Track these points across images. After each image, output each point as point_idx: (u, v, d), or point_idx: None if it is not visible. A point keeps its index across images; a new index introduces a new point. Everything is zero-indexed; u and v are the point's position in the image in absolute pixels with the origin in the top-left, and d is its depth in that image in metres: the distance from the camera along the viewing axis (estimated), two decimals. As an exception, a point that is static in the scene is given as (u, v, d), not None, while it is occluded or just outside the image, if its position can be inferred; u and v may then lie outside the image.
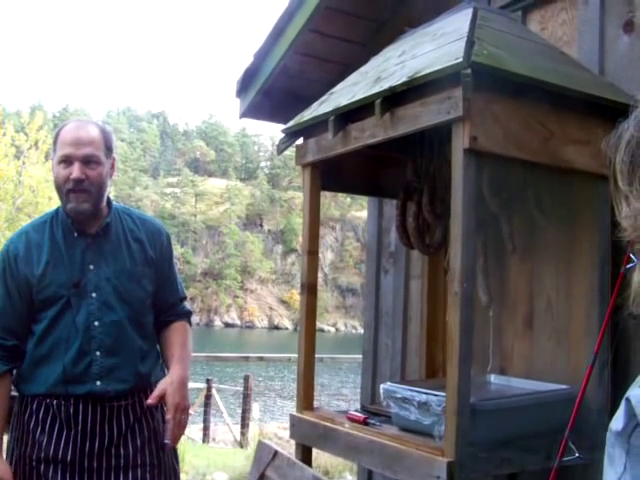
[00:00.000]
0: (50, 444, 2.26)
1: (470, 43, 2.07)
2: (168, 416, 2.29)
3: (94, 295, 2.32)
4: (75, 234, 2.36)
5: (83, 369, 2.28)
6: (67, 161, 2.29)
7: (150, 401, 2.30)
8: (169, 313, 2.53)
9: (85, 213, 2.33)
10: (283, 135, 2.78)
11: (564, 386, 2.38)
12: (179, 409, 2.30)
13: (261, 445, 2.62)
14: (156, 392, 2.30)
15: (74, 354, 2.28)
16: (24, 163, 24.17)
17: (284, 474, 2.38)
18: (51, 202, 21.21)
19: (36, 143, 24.54)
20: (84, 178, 2.28)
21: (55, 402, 2.29)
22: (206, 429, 11.18)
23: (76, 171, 2.27)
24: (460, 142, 2.01)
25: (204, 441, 10.87)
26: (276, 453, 2.46)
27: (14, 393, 2.42)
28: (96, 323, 2.30)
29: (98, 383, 2.28)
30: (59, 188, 2.33)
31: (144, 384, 2.40)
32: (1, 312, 2.32)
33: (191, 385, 13.52)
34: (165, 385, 2.32)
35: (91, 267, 2.34)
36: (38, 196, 23.43)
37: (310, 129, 2.64)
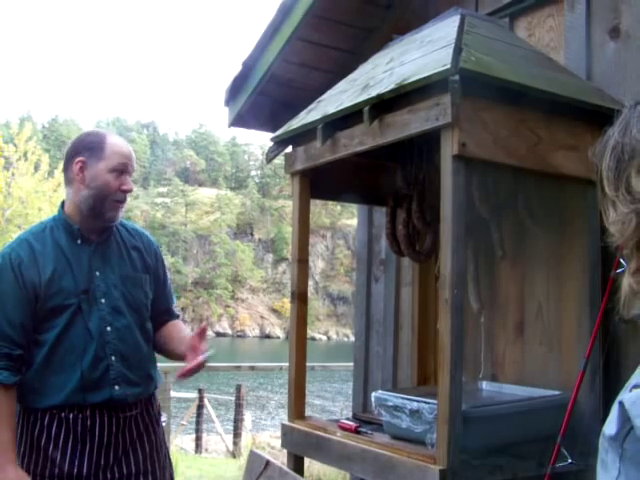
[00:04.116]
0: (64, 460, 2.21)
1: (458, 50, 2.07)
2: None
3: (103, 301, 2.31)
4: (79, 241, 2.35)
5: (100, 375, 2.25)
6: (120, 171, 2.32)
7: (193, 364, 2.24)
8: (164, 317, 2.54)
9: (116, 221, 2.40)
10: (272, 144, 2.78)
11: (556, 392, 2.38)
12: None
13: (253, 455, 2.60)
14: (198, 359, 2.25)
15: (91, 360, 2.25)
16: (13, 174, 24.05)
17: (276, 484, 2.36)
18: (41, 213, 21.10)
19: (25, 154, 24.44)
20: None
21: (71, 415, 2.23)
22: (198, 439, 11.12)
23: (130, 183, 2.35)
24: (449, 148, 2.01)
25: (196, 451, 10.81)
26: (268, 463, 2.44)
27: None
28: (108, 328, 2.29)
29: (117, 388, 2.27)
30: (105, 196, 2.30)
31: (150, 389, 2.41)
32: (11, 322, 2.22)
33: (182, 395, 13.47)
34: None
35: (97, 273, 2.33)
36: (28, 207, 23.30)
37: (299, 137, 2.64)
